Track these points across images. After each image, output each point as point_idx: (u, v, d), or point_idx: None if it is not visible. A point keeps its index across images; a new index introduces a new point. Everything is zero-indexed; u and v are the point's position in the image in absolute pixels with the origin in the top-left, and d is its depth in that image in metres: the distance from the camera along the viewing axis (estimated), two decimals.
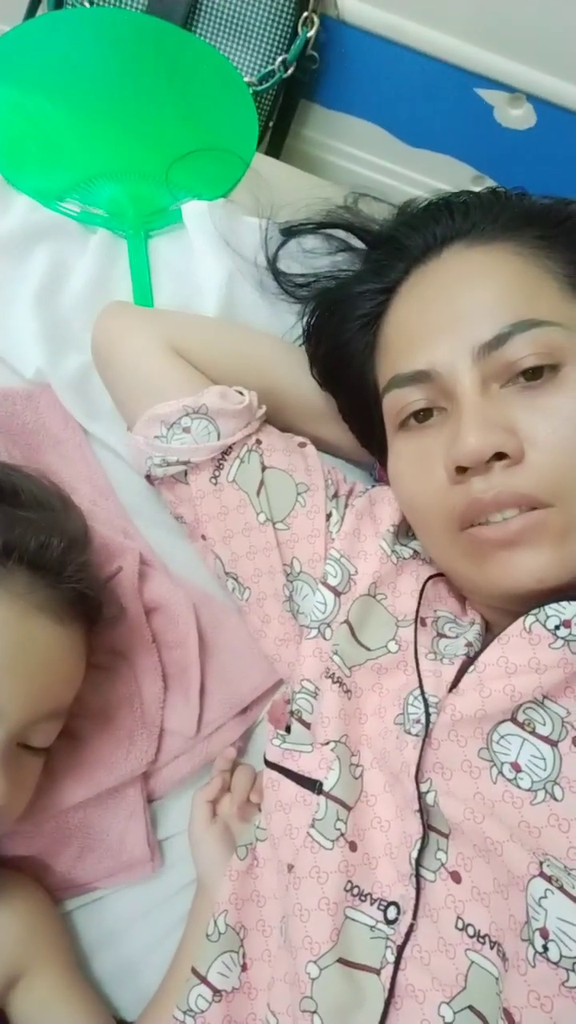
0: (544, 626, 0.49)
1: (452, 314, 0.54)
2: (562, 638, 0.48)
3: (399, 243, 0.62)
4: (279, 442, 0.68)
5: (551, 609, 0.49)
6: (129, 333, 0.70)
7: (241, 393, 0.67)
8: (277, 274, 0.77)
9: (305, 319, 0.69)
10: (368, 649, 0.59)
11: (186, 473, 0.66)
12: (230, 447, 0.66)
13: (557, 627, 0.49)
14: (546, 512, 0.49)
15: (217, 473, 0.66)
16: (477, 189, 0.64)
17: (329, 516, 0.64)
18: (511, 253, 0.56)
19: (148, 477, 0.69)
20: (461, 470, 0.51)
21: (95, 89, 0.89)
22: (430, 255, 0.59)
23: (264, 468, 0.65)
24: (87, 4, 0.98)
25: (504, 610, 0.55)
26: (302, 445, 0.69)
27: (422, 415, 0.55)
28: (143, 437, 0.67)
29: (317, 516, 0.64)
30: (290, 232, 0.77)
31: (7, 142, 0.86)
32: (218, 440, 0.65)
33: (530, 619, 0.50)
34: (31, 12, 1.04)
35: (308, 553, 0.63)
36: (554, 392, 0.51)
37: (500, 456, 0.50)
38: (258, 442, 0.67)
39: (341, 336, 0.64)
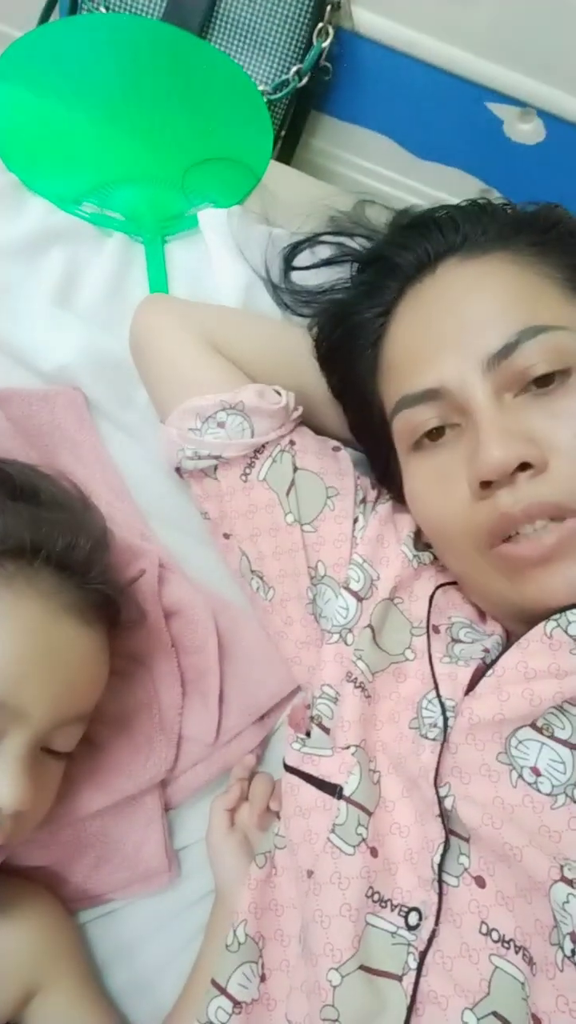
0: (566, 632, 0.49)
1: (456, 328, 0.53)
2: None
3: (390, 262, 0.61)
4: (313, 444, 0.68)
5: (573, 615, 0.49)
6: (170, 325, 0.70)
7: (279, 393, 0.67)
8: (281, 297, 0.77)
9: (314, 351, 0.69)
10: (388, 654, 0.59)
11: (216, 468, 0.66)
12: (263, 446, 0.65)
13: None
14: None
15: (248, 471, 0.65)
16: (474, 198, 0.64)
17: (356, 521, 0.64)
18: (507, 262, 0.56)
19: (178, 470, 0.69)
20: (486, 485, 0.50)
21: (111, 94, 0.90)
22: (424, 272, 0.59)
23: (296, 469, 0.65)
24: (103, 10, 0.98)
25: (529, 622, 0.55)
26: (336, 449, 0.69)
27: (435, 433, 0.55)
28: (176, 429, 0.66)
29: (345, 521, 0.64)
30: (292, 253, 0.77)
31: (23, 145, 0.86)
32: (252, 438, 0.65)
33: (551, 624, 0.50)
34: (45, 17, 1.04)
35: (333, 557, 0.63)
36: (568, 396, 0.51)
37: (524, 467, 0.49)
38: (291, 443, 0.66)
39: (346, 365, 0.64)
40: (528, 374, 0.51)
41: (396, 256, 0.61)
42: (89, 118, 0.89)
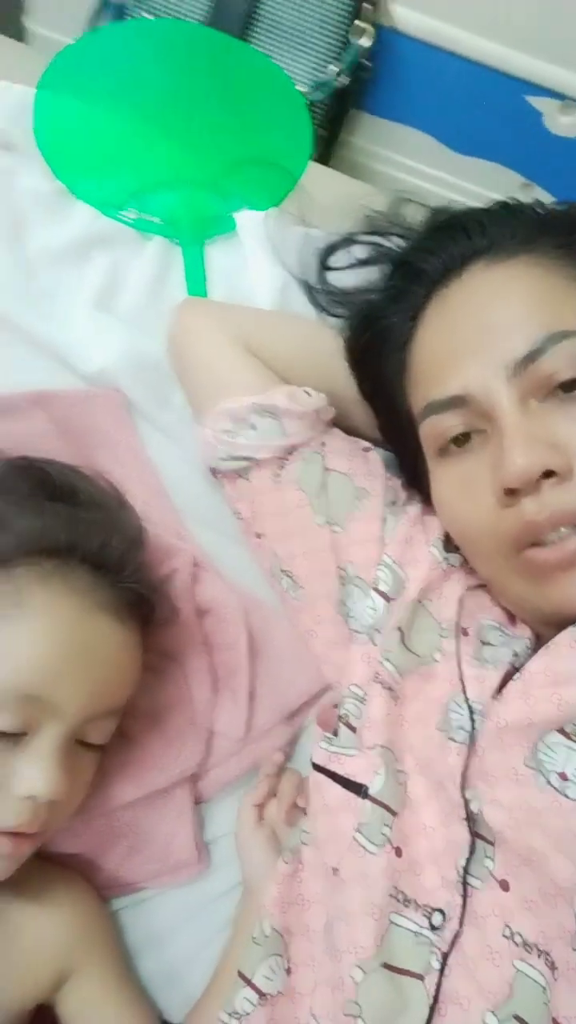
0: None
1: (480, 334, 0.53)
2: None
3: (416, 267, 0.61)
4: (343, 446, 0.68)
5: None
6: (205, 328, 0.71)
7: (310, 395, 0.67)
8: (316, 298, 0.76)
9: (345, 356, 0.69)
10: (417, 655, 0.59)
11: (249, 469, 0.67)
12: (294, 447, 0.66)
13: None
14: None
15: (279, 472, 0.66)
16: (502, 199, 0.63)
17: (385, 522, 0.64)
18: (533, 265, 0.55)
19: (213, 470, 0.70)
20: (510, 492, 0.50)
21: (154, 99, 0.91)
22: (450, 277, 0.58)
23: (326, 470, 0.65)
24: (148, 15, 0.99)
25: (557, 625, 0.55)
26: (367, 450, 0.69)
27: (461, 439, 0.55)
28: (211, 430, 0.68)
29: (373, 522, 0.64)
30: (327, 254, 0.76)
31: (69, 152, 0.88)
32: (283, 439, 0.66)
33: None
34: (92, 24, 1.06)
35: (362, 558, 0.63)
36: None
37: (549, 474, 0.49)
38: (322, 444, 0.67)
39: (375, 369, 0.64)
40: (554, 380, 0.51)
41: (422, 261, 0.61)
42: (132, 124, 0.91)
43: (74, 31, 1.04)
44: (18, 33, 1.31)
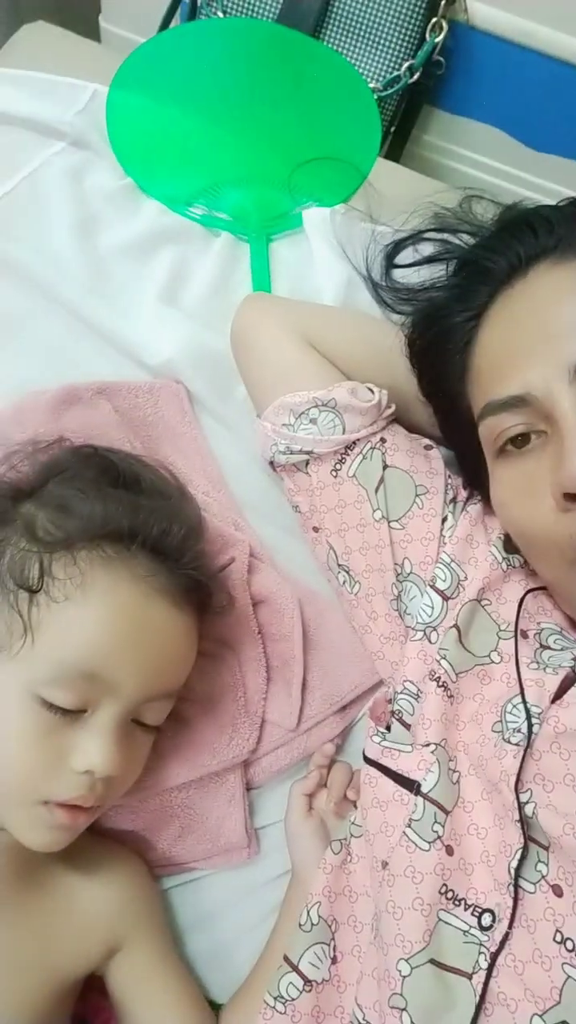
0: None
1: (544, 334, 0.52)
2: None
3: (481, 266, 0.60)
4: (404, 442, 0.68)
5: None
6: (268, 323, 0.72)
7: (372, 391, 0.68)
8: (381, 295, 0.76)
9: (405, 352, 0.68)
10: (474, 655, 0.59)
11: (308, 463, 0.68)
12: (354, 442, 0.67)
13: None
14: None
15: (338, 467, 0.67)
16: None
17: (444, 520, 0.64)
18: None
19: (272, 463, 0.71)
20: (569, 496, 0.49)
21: (224, 97, 0.92)
22: (515, 276, 0.57)
23: (385, 466, 0.66)
24: (220, 14, 1.01)
25: None
26: (428, 448, 0.69)
27: (520, 440, 0.54)
28: (271, 424, 0.69)
29: (433, 520, 0.64)
30: (395, 251, 0.76)
31: (141, 150, 0.90)
32: (343, 434, 0.66)
33: None
34: (165, 24, 1.08)
35: (420, 555, 0.63)
36: None
37: None
38: (382, 440, 0.67)
39: (436, 367, 0.64)
40: None
41: (487, 259, 0.60)
42: (203, 121, 0.92)
43: (148, 30, 1.07)
44: (94, 32, 1.35)
